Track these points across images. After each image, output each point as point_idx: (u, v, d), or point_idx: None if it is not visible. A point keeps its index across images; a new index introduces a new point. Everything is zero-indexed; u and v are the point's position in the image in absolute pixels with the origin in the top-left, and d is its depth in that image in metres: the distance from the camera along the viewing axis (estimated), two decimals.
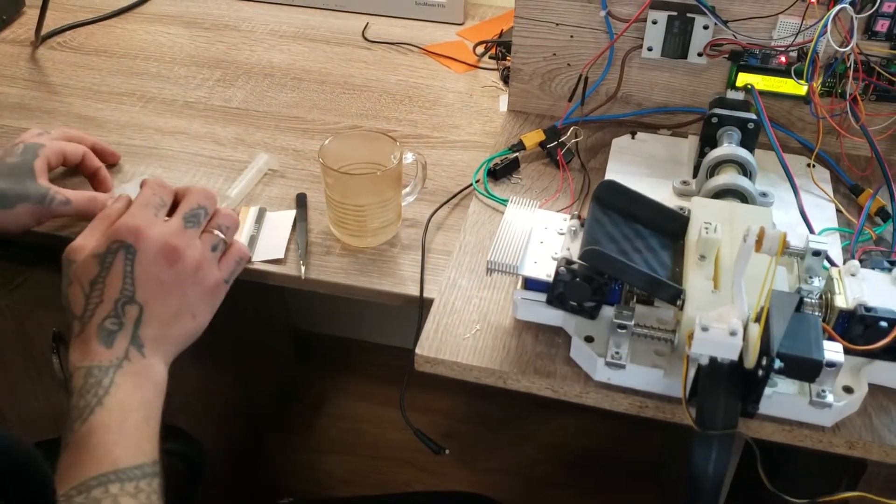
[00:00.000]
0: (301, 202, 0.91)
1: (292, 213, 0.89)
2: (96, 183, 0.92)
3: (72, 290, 0.70)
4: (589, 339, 0.71)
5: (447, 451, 0.84)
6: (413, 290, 0.83)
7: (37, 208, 0.81)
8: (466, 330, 0.76)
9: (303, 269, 0.83)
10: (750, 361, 0.58)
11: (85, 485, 0.61)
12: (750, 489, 0.78)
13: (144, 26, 1.27)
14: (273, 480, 1.61)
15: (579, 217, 0.76)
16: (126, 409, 0.66)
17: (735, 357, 0.59)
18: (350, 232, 0.86)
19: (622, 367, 0.68)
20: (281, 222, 0.88)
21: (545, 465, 1.69)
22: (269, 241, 0.86)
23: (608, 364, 0.68)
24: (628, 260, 0.69)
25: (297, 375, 1.78)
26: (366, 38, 1.24)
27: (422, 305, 0.81)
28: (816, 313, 0.69)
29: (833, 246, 0.83)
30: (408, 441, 0.88)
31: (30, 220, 0.82)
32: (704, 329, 0.59)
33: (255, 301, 1.39)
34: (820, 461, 1.07)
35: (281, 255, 0.84)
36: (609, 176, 0.92)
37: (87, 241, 0.73)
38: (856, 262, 0.70)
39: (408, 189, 0.91)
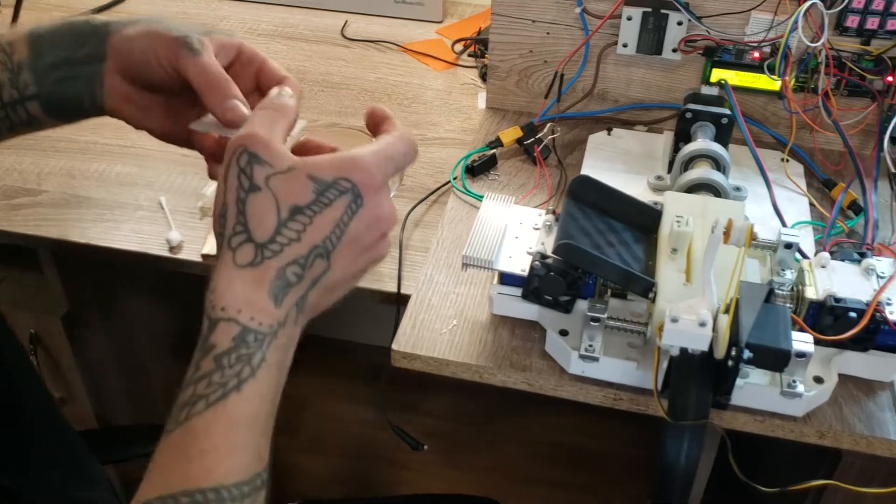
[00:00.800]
0: None
1: None
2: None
3: (258, 201, 0.50)
4: (564, 333, 0.72)
5: (426, 447, 0.84)
6: (391, 287, 0.83)
7: (169, 34, 0.58)
8: (443, 325, 0.76)
9: None
10: (720, 352, 0.59)
11: (173, 498, 0.47)
12: (728, 481, 0.79)
13: None
14: None
15: (554, 212, 0.77)
16: (263, 400, 0.51)
17: (705, 348, 0.60)
18: None
19: (596, 359, 0.68)
20: None
21: (528, 461, 1.70)
22: None
23: (582, 357, 0.69)
24: (602, 254, 0.69)
25: None
26: (345, 36, 1.25)
27: (399, 302, 0.81)
28: (788, 305, 0.69)
29: (806, 239, 0.84)
30: (391, 440, 0.88)
31: (161, 58, 0.59)
32: (674, 320, 0.59)
33: None
34: (797, 453, 1.08)
35: None
36: (585, 172, 0.93)
37: (283, 149, 0.51)
38: (826, 255, 0.71)
39: None
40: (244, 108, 0.57)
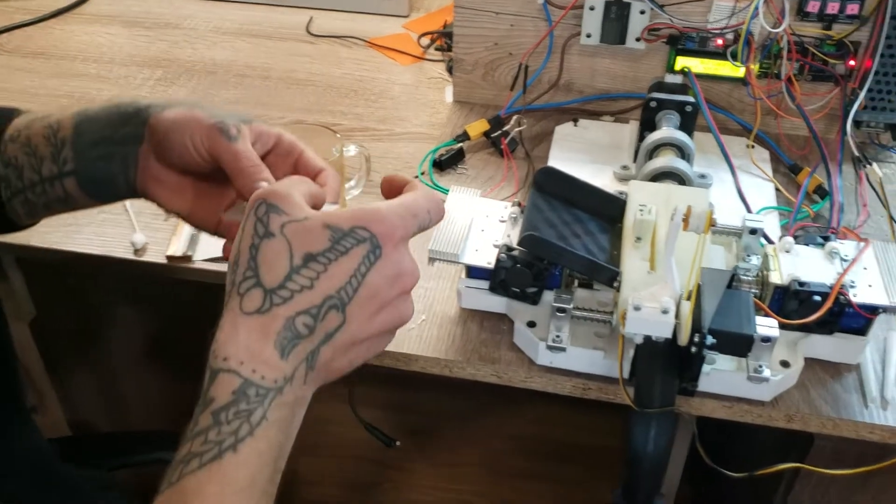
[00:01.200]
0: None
1: None
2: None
3: (271, 247, 0.49)
4: (531, 325, 0.72)
5: (398, 444, 0.84)
6: None
7: (206, 121, 0.59)
8: (412, 321, 0.75)
9: None
10: (683, 338, 0.59)
11: None
12: (708, 471, 0.79)
13: (83, 27, 1.25)
14: None
15: (520, 204, 0.76)
16: (263, 462, 0.48)
17: (668, 335, 0.60)
18: None
19: (563, 350, 0.68)
20: None
21: (514, 456, 1.70)
22: (212, 239, 0.85)
23: (550, 348, 0.69)
24: (567, 244, 0.69)
25: None
26: (310, 33, 1.24)
27: None
28: (753, 290, 0.70)
29: (772, 224, 0.84)
30: (372, 438, 0.87)
31: (195, 141, 0.59)
32: (637, 308, 0.59)
33: (210, 302, 1.38)
34: (771, 439, 1.09)
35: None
36: (552, 163, 0.92)
37: (303, 202, 0.51)
38: (790, 239, 0.71)
39: (352, 182, 0.91)
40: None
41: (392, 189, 0.57)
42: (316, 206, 0.53)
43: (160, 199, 0.63)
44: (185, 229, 0.85)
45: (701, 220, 0.55)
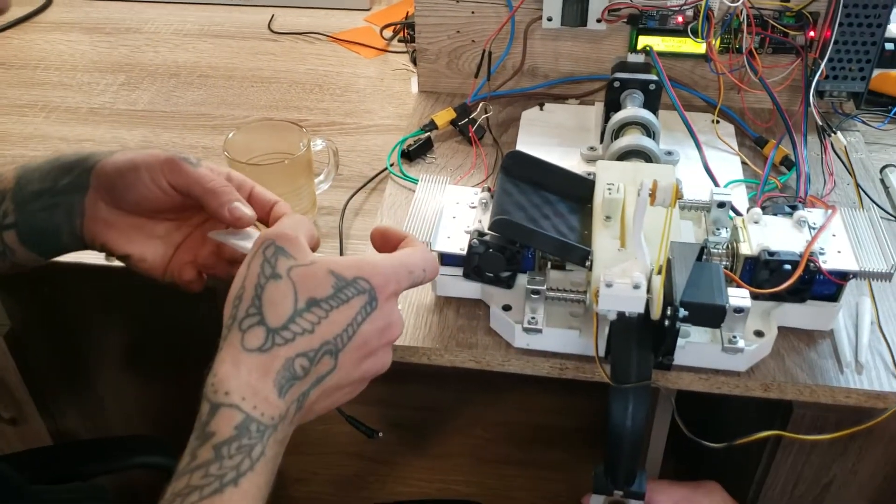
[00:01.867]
0: None
1: None
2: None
3: (277, 288, 0.51)
4: (507, 308, 0.72)
5: (380, 434, 0.84)
6: None
7: (162, 155, 0.61)
8: None
9: None
10: (656, 313, 0.59)
11: None
12: (687, 443, 0.79)
13: (43, 35, 1.23)
14: None
15: (489, 190, 0.76)
16: (260, 497, 0.49)
17: (641, 310, 0.60)
18: (265, 224, 0.85)
19: (539, 331, 0.68)
20: None
21: (498, 444, 1.70)
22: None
23: (526, 330, 0.69)
24: (537, 226, 0.69)
25: None
26: (272, 30, 1.23)
27: None
28: (724, 262, 0.70)
29: (740, 197, 0.85)
30: (356, 433, 0.87)
31: (154, 175, 0.61)
32: (609, 285, 0.59)
33: (184, 308, 1.37)
34: (752, 411, 1.10)
35: None
36: (520, 148, 0.93)
37: (306, 247, 0.54)
38: (758, 210, 0.72)
39: (321, 177, 0.90)
40: (246, 209, 0.61)
41: (386, 242, 0.59)
42: (313, 247, 0.56)
43: (110, 244, 0.63)
44: None
45: (667, 194, 0.56)
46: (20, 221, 0.62)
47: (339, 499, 1.61)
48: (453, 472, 1.65)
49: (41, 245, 0.64)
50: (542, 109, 0.99)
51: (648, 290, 0.60)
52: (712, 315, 0.58)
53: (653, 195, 0.56)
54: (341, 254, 0.84)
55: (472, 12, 0.98)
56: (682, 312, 0.57)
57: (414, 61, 1.14)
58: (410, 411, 1.76)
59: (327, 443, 1.67)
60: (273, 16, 1.26)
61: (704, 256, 0.69)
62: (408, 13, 1.22)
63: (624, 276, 0.60)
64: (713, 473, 0.76)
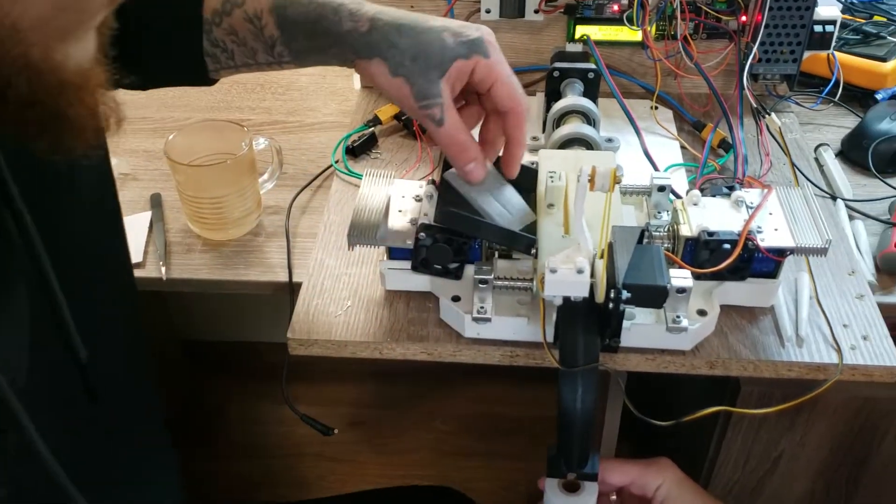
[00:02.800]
0: (156, 203, 0.89)
1: (148, 215, 0.87)
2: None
3: None
4: (456, 299, 0.72)
5: (336, 431, 0.84)
6: (283, 277, 0.82)
7: (410, 100, 0.64)
8: (338, 308, 0.76)
9: (163, 269, 0.81)
10: (599, 296, 0.60)
11: None
12: (640, 424, 0.80)
13: None
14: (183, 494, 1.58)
15: (434, 182, 0.77)
16: None
17: (586, 294, 0.61)
18: (209, 226, 0.84)
19: (488, 320, 0.69)
20: (136, 226, 0.86)
21: (457, 436, 1.71)
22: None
23: (475, 319, 0.69)
24: (483, 217, 0.70)
25: (193, 387, 1.75)
26: None
27: (292, 291, 0.80)
28: (665, 245, 0.72)
29: (680, 180, 0.86)
30: (314, 434, 0.87)
31: (399, 100, 0.66)
32: (553, 271, 0.60)
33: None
34: (701, 389, 1.12)
35: (139, 259, 0.82)
36: None
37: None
38: (696, 192, 0.73)
39: (265, 176, 0.90)
40: (482, 169, 0.68)
41: None
42: None
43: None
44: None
45: (606, 179, 0.57)
46: (298, 61, 0.68)
47: (300, 500, 1.61)
48: (413, 466, 1.65)
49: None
50: None
51: (592, 275, 0.61)
52: (654, 296, 0.59)
53: (592, 181, 0.57)
54: (288, 254, 0.83)
55: (412, 6, 0.98)
56: (625, 294, 0.58)
57: None
58: (367, 409, 1.76)
59: (285, 445, 1.66)
60: None
61: (646, 239, 0.71)
62: None
63: (568, 261, 0.61)
64: (668, 452, 0.78)
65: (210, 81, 0.71)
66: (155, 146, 0.99)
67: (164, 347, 1.63)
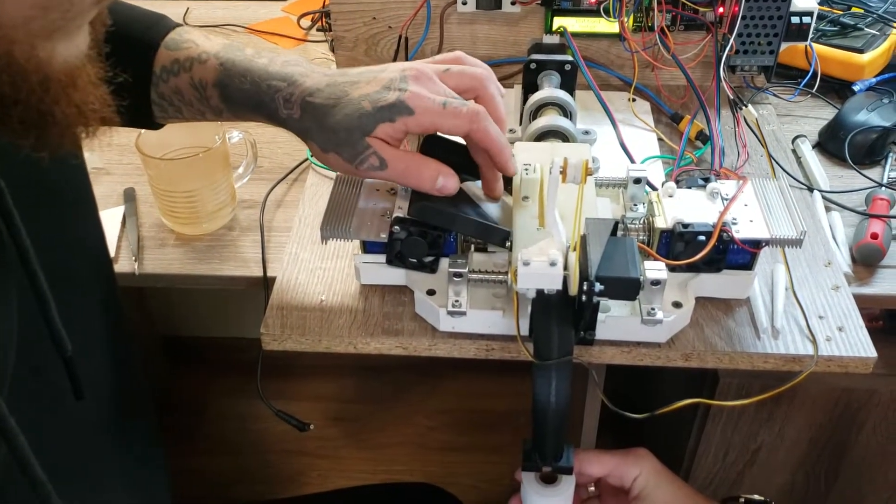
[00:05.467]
0: (129, 197, 0.88)
1: (121, 210, 0.86)
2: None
3: None
4: (431, 293, 0.72)
5: (311, 427, 0.83)
6: (257, 272, 0.82)
7: (346, 164, 0.66)
8: (312, 302, 0.75)
9: (135, 265, 0.80)
10: (573, 288, 0.60)
11: None
12: (619, 419, 0.80)
13: None
14: None
15: None
16: None
17: (559, 286, 0.61)
18: (183, 220, 0.83)
19: (463, 314, 0.68)
20: (109, 221, 0.85)
21: (439, 431, 1.71)
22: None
23: (450, 313, 0.69)
24: (458, 210, 0.69)
25: (172, 383, 1.73)
26: (187, 24, 1.20)
27: (266, 285, 0.79)
28: (641, 237, 0.71)
29: (656, 173, 0.86)
30: (294, 431, 0.87)
31: (340, 169, 0.68)
32: (526, 264, 0.60)
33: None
34: (679, 383, 1.12)
35: (112, 254, 0.81)
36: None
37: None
38: (672, 184, 0.73)
39: (240, 170, 0.89)
40: (451, 179, 0.67)
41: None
42: None
43: None
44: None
45: (578, 171, 0.56)
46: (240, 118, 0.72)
47: (280, 497, 1.61)
48: (396, 461, 1.65)
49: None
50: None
51: (565, 267, 0.61)
52: (627, 287, 0.59)
53: (564, 172, 0.56)
54: (262, 248, 0.83)
55: None
56: (598, 287, 0.58)
57: (332, 49, 1.13)
58: (350, 405, 1.76)
59: (265, 441, 1.66)
60: (188, 9, 1.23)
61: (621, 232, 0.70)
62: (325, 1, 1.21)
63: (541, 254, 0.60)
64: (649, 445, 0.77)
65: (156, 126, 0.74)
66: (128, 140, 0.96)
67: (144, 343, 1.62)
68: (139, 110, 0.71)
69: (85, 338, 0.61)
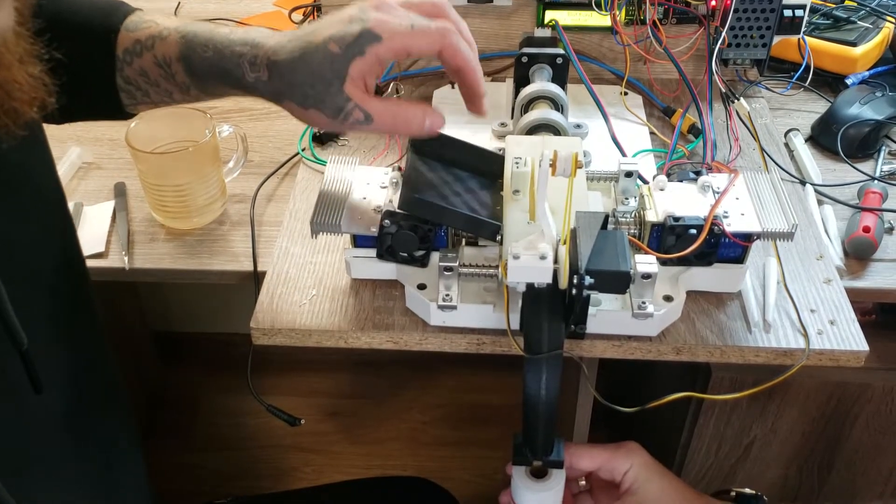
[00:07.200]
0: (120, 192, 0.88)
1: (111, 204, 0.86)
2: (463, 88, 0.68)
3: None
4: (422, 287, 0.71)
5: (302, 422, 0.83)
6: (248, 266, 0.81)
7: (330, 121, 0.63)
8: (303, 296, 0.75)
9: (126, 259, 0.80)
10: (563, 282, 0.59)
11: None
12: (612, 413, 0.80)
13: None
14: (155, 486, 1.57)
15: (399, 169, 0.76)
16: None
17: (549, 280, 0.61)
18: (173, 214, 0.83)
19: (454, 308, 0.68)
20: (98, 215, 0.84)
21: (433, 426, 1.71)
22: (87, 236, 0.82)
23: (441, 307, 0.69)
24: (448, 204, 0.69)
25: (165, 379, 1.73)
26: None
27: (257, 280, 0.79)
28: (632, 230, 0.71)
29: (648, 166, 0.86)
30: (289, 426, 0.86)
31: (325, 126, 0.65)
32: (516, 257, 0.60)
33: (104, 307, 1.34)
34: (673, 377, 1.12)
35: (101, 249, 0.81)
36: None
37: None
38: (663, 177, 0.73)
39: (231, 164, 0.89)
40: (436, 116, 0.66)
41: None
42: None
43: None
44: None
45: (567, 164, 0.56)
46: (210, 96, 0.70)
47: (277, 492, 1.61)
48: (391, 456, 1.65)
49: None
50: (453, 87, 0.99)
51: (556, 261, 0.61)
52: (617, 281, 0.59)
53: (553, 166, 0.56)
54: (253, 243, 0.82)
55: None
56: (588, 280, 0.58)
57: None
58: (345, 400, 1.75)
59: (259, 436, 1.66)
60: (179, 3, 1.23)
61: (612, 225, 0.70)
62: None
63: (531, 247, 0.60)
64: (642, 439, 0.77)
65: (127, 115, 0.72)
66: (119, 134, 0.96)
67: (135, 339, 1.62)
68: (107, 100, 0.70)
69: (48, 332, 0.60)
